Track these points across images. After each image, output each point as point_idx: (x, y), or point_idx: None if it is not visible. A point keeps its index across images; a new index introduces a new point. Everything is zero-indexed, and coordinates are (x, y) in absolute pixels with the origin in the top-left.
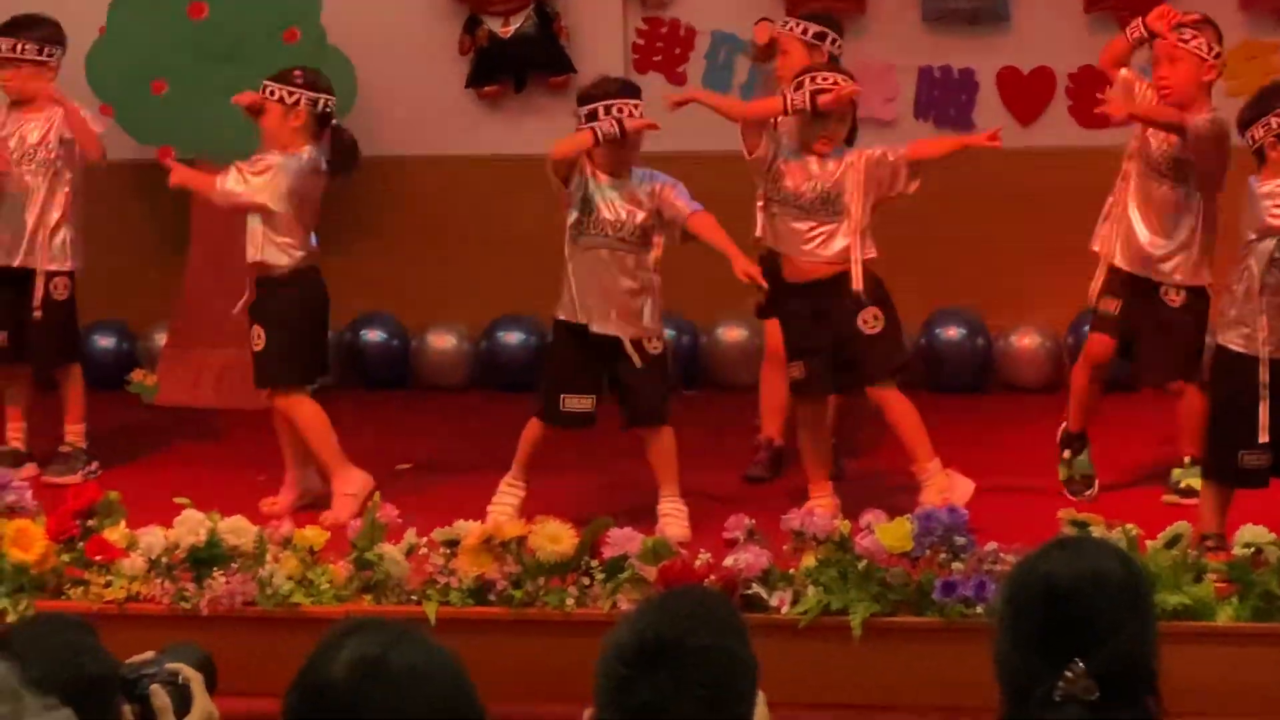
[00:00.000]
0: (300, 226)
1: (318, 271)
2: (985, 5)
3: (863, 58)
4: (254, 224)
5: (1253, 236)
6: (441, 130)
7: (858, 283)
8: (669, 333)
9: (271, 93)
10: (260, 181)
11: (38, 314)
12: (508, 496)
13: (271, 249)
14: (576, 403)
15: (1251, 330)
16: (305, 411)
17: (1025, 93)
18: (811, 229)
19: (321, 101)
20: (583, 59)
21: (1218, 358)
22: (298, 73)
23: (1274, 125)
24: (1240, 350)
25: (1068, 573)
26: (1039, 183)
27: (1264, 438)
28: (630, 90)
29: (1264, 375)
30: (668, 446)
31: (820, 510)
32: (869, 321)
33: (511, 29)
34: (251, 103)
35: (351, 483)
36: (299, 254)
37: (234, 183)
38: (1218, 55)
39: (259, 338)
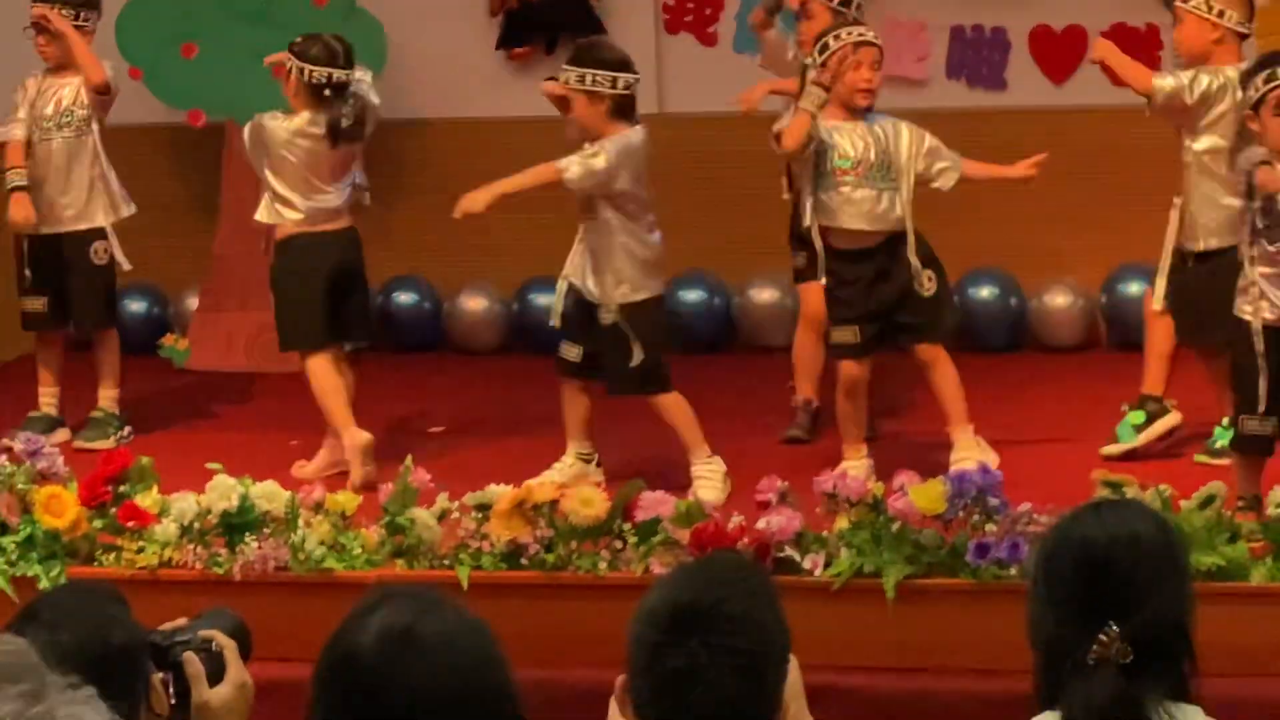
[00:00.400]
0: (294, 191)
1: (314, 238)
2: None
3: (894, 16)
4: None
5: (1240, 205)
6: (472, 92)
7: (913, 252)
8: (699, 294)
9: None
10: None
11: (100, 260)
12: (555, 465)
13: (265, 209)
14: (566, 350)
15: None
16: (312, 374)
17: (1058, 51)
18: (875, 196)
19: (307, 72)
20: (614, 20)
21: (1232, 324)
22: (297, 40)
23: (1248, 98)
24: (1246, 318)
25: (1103, 536)
26: (1072, 142)
27: (1261, 407)
28: (581, 59)
29: (1259, 345)
30: (672, 413)
31: (853, 472)
32: (924, 284)
33: None
34: (273, 63)
35: (345, 447)
36: (294, 217)
37: (246, 135)
38: (1221, 13)
39: (272, 304)
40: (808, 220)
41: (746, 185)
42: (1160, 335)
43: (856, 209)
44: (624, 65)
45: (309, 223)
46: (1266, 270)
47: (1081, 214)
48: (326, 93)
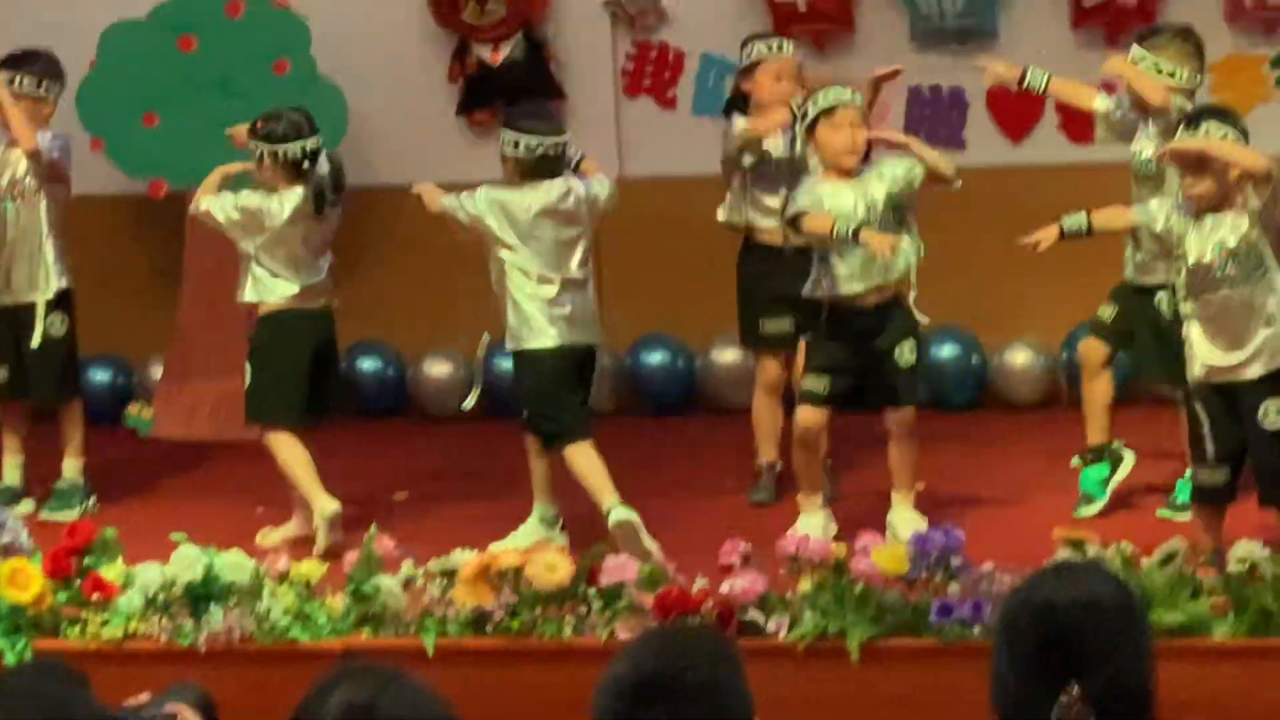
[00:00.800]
0: (288, 268)
1: (303, 314)
2: (973, 23)
3: (852, 77)
4: None
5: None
6: (433, 158)
7: (912, 291)
8: (661, 357)
9: None
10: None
11: (57, 332)
12: (520, 528)
13: (251, 288)
14: None
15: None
16: (279, 450)
17: (1015, 110)
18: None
19: (281, 152)
20: (573, 84)
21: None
22: (258, 124)
23: None
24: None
25: (1063, 599)
26: (1031, 199)
27: (1208, 457)
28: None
29: (1195, 399)
30: (572, 467)
31: (812, 529)
32: (905, 354)
33: (501, 56)
34: (233, 135)
35: (315, 515)
36: (289, 292)
37: (223, 214)
38: (1172, 73)
39: (245, 374)
40: (809, 288)
41: (707, 247)
42: (1102, 390)
43: (852, 270)
44: (531, 130)
45: (299, 299)
46: (1198, 325)
47: (1041, 272)
48: (305, 165)
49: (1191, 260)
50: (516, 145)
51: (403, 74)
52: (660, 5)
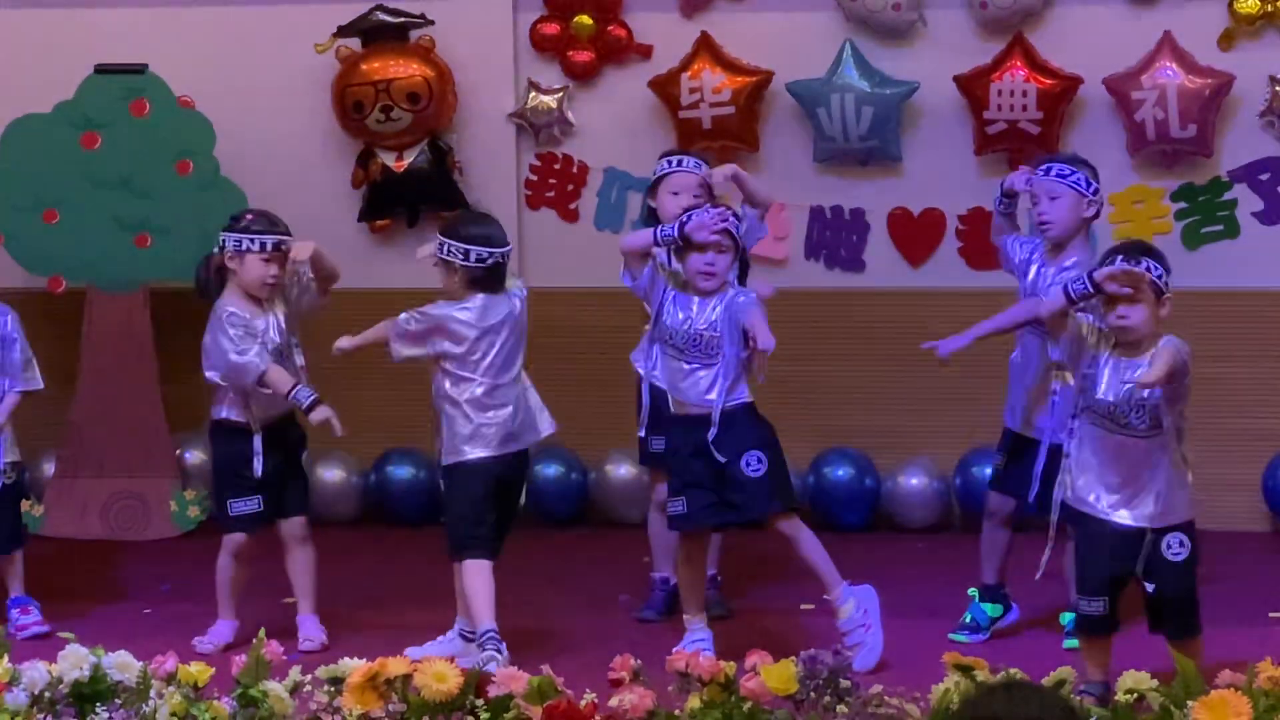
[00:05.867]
0: None
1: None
2: (876, 146)
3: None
4: None
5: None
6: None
7: (713, 427)
8: (555, 470)
9: None
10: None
11: None
12: (440, 638)
13: None
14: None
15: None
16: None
17: (916, 233)
18: (690, 369)
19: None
20: (475, 194)
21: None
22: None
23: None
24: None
25: (1010, 717)
26: (928, 323)
27: (1088, 588)
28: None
29: (1060, 523)
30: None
31: (702, 646)
32: (751, 464)
33: (405, 163)
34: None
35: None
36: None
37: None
38: (1096, 191)
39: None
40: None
41: (604, 361)
42: (1002, 539)
43: (676, 381)
44: (485, 239)
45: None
46: (1070, 451)
47: (936, 395)
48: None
49: (1099, 394)
50: (467, 255)
51: (306, 178)
52: (567, 117)
